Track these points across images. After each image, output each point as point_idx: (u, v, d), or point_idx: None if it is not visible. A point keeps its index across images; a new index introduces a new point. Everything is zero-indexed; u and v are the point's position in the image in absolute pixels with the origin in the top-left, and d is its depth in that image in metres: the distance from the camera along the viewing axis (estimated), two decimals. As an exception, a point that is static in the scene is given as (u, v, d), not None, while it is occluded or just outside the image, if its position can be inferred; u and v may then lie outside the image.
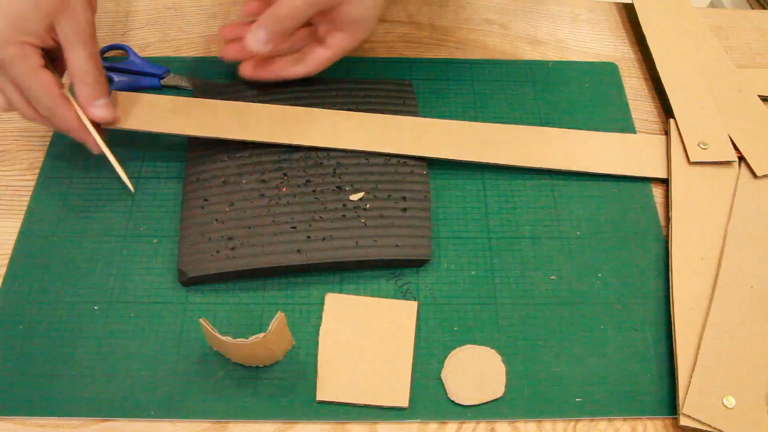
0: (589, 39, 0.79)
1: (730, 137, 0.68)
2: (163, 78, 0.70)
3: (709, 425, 0.53)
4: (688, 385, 0.54)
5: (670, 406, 0.55)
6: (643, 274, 0.61)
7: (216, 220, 0.60)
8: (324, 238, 0.59)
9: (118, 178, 0.62)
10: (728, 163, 0.67)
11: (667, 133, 0.70)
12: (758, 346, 0.56)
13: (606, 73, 0.75)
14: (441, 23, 0.79)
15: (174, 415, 0.53)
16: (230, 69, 0.70)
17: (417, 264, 0.60)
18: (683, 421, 0.53)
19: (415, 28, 0.78)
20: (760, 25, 0.82)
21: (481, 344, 0.57)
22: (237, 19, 0.76)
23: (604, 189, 0.66)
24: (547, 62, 0.76)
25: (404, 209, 0.61)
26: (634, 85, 0.75)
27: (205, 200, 0.61)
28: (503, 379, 0.55)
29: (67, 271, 0.59)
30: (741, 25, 0.82)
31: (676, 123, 0.69)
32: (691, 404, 0.53)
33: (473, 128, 0.68)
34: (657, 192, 0.67)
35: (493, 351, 0.57)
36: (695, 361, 0.55)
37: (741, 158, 0.67)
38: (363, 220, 0.60)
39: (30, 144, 0.67)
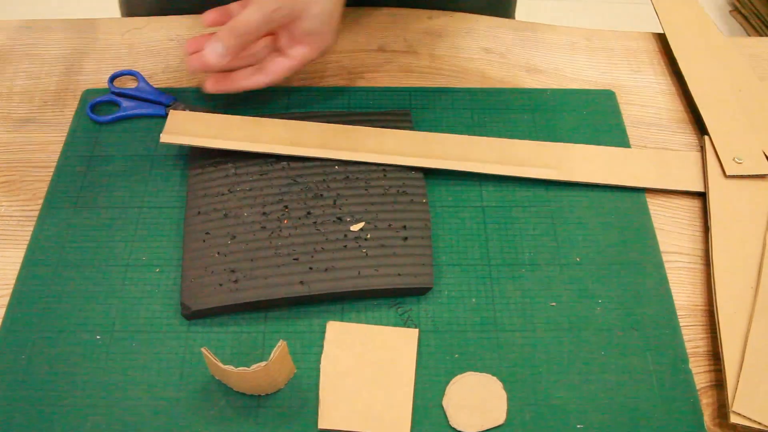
0: (587, 67, 0.80)
1: (764, 153, 0.71)
2: (170, 106, 0.71)
3: (758, 422, 0.54)
4: (736, 386, 0.56)
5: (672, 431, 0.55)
6: (644, 299, 0.61)
7: (218, 253, 0.60)
8: (326, 269, 0.59)
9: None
10: (763, 176, 0.69)
11: (702, 149, 0.72)
12: None
13: (604, 101, 0.76)
14: (439, 52, 0.80)
15: (176, 444, 0.53)
16: (230, 100, 0.71)
17: (419, 292, 0.61)
18: (734, 419, 0.54)
19: (414, 58, 0.79)
20: (755, 52, 0.83)
21: (482, 371, 0.57)
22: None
23: (603, 215, 0.66)
24: (545, 90, 0.77)
25: (405, 238, 0.62)
26: (631, 113, 0.76)
27: (207, 233, 0.61)
28: (504, 406, 0.55)
29: (70, 301, 0.59)
30: (737, 52, 0.83)
31: (711, 140, 0.72)
32: (740, 403, 0.55)
33: (509, 143, 0.70)
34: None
35: (494, 378, 0.57)
36: (741, 364, 0.57)
37: None
38: (364, 250, 0.61)
39: (34, 174, 0.67)
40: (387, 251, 0.61)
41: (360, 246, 0.61)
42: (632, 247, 0.65)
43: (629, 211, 0.67)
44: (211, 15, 0.67)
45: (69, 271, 0.61)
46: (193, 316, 0.58)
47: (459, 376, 0.57)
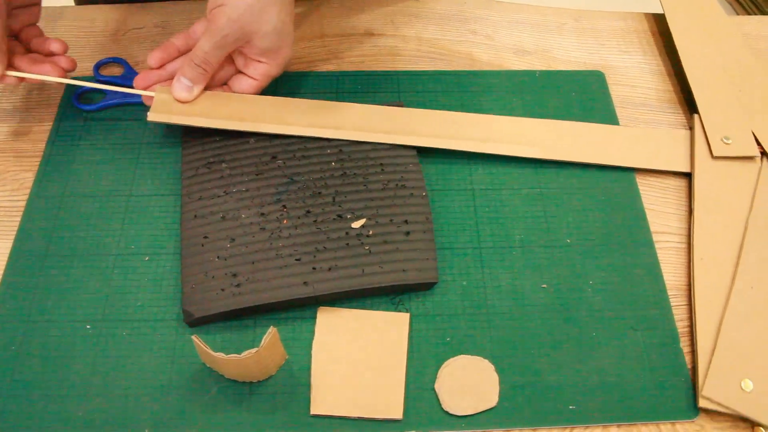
0: (575, 48, 0.80)
1: (753, 133, 0.70)
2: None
3: (727, 407, 0.54)
4: (708, 369, 0.56)
5: (664, 411, 0.55)
6: (634, 279, 0.62)
7: (218, 257, 0.59)
8: (330, 268, 0.58)
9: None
10: (751, 158, 0.69)
11: (691, 128, 0.72)
12: None
13: (592, 82, 0.76)
14: (427, 36, 0.80)
15: (168, 431, 0.53)
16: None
17: (425, 287, 0.60)
18: (702, 403, 0.55)
19: (402, 41, 0.79)
20: (745, 31, 0.83)
21: (473, 354, 0.57)
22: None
23: (594, 196, 0.66)
24: (533, 72, 0.76)
25: (407, 233, 0.61)
26: (620, 93, 0.75)
27: (205, 237, 0.60)
28: (497, 389, 0.55)
29: (59, 291, 0.59)
30: (736, 32, 0.82)
31: (701, 118, 0.71)
32: (710, 387, 0.55)
33: (493, 120, 0.70)
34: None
35: (486, 361, 0.57)
36: (714, 347, 0.57)
37: (763, 153, 0.69)
38: (367, 247, 0.60)
39: (20, 164, 0.67)
40: (390, 247, 0.60)
41: (362, 243, 0.60)
42: (623, 227, 0.65)
43: (619, 192, 0.67)
44: (156, 55, 0.67)
45: (57, 260, 0.61)
46: (196, 323, 0.57)
47: (451, 360, 0.57)
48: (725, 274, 0.61)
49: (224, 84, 0.69)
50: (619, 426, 0.55)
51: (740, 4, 1.69)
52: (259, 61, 0.66)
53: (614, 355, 0.58)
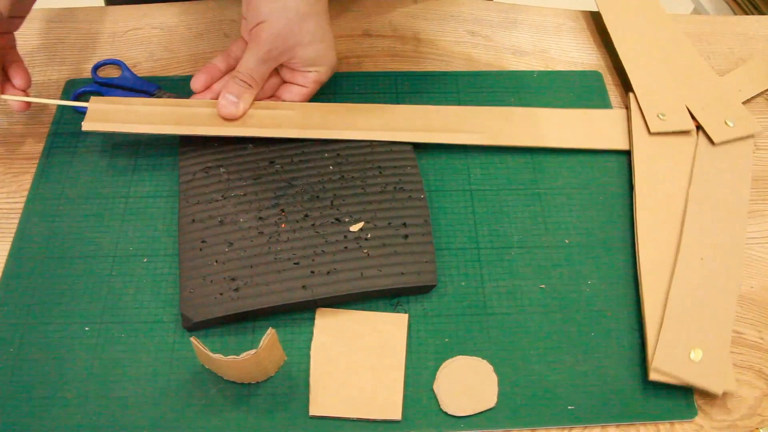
0: (573, 48, 0.80)
1: (687, 108, 0.71)
2: (154, 95, 0.70)
3: (678, 378, 0.55)
4: (656, 343, 0.57)
5: (662, 411, 0.55)
6: (632, 280, 0.62)
7: (216, 261, 0.59)
8: (328, 272, 0.58)
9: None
10: (686, 132, 0.70)
11: (627, 107, 0.73)
12: (721, 301, 0.59)
13: (590, 82, 0.76)
14: (425, 36, 0.80)
15: (167, 434, 0.53)
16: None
17: (423, 290, 0.60)
18: (653, 376, 0.55)
19: (400, 42, 0.79)
20: (742, 30, 0.83)
21: (472, 355, 0.57)
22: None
23: (592, 196, 0.66)
24: (531, 72, 0.76)
25: (405, 236, 0.61)
26: (618, 93, 0.75)
27: (203, 242, 0.60)
28: (495, 389, 0.55)
29: (58, 293, 0.59)
30: (723, 30, 0.83)
31: (636, 96, 0.72)
32: (660, 359, 0.56)
33: (436, 111, 0.71)
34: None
35: (484, 361, 0.57)
36: (662, 319, 0.58)
37: (699, 127, 0.70)
38: (365, 251, 0.60)
39: (18, 166, 0.67)
40: (388, 250, 0.60)
41: (361, 246, 0.60)
42: (621, 227, 0.65)
43: (617, 194, 0.67)
44: (199, 79, 0.67)
45: (56, 262, 0.61)
46: (194, 327, 0.57)
47: (449, 360, 0.57)
48: (670, 247, 0.62)
49: (272, 96, 0.69)
50: (617, 426, 0.55)
51: (738, 4, 1.69)
52: (306, 71, 0.67)
53: (612, 355, 0.58)
